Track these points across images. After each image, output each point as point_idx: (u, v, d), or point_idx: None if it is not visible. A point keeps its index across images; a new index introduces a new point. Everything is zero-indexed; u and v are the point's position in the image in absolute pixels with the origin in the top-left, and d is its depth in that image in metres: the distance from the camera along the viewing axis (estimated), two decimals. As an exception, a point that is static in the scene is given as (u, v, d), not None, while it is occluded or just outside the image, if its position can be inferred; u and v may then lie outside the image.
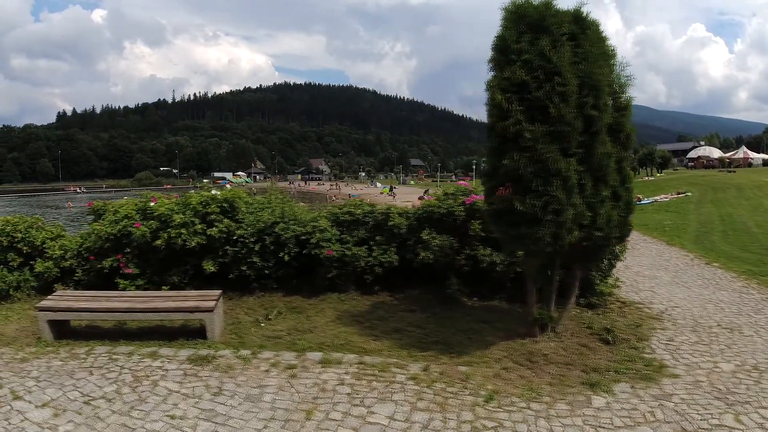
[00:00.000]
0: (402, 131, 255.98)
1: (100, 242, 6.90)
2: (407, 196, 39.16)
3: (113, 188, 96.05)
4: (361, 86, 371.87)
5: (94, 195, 78.00)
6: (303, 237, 6.64)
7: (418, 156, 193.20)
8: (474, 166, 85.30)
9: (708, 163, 67.16)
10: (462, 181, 7.07)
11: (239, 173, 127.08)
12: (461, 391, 4.02)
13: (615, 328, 5.54)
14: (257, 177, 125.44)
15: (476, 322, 5.79)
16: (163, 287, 6.67)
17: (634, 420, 3.64)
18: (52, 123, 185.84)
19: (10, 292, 6.84)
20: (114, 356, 4.84)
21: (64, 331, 5.48)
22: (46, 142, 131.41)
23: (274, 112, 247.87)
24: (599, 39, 4.79)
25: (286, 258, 6.63)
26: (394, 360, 4.63)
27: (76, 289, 6.87)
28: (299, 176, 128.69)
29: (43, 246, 7.27)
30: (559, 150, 4.30)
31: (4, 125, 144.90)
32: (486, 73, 4.64)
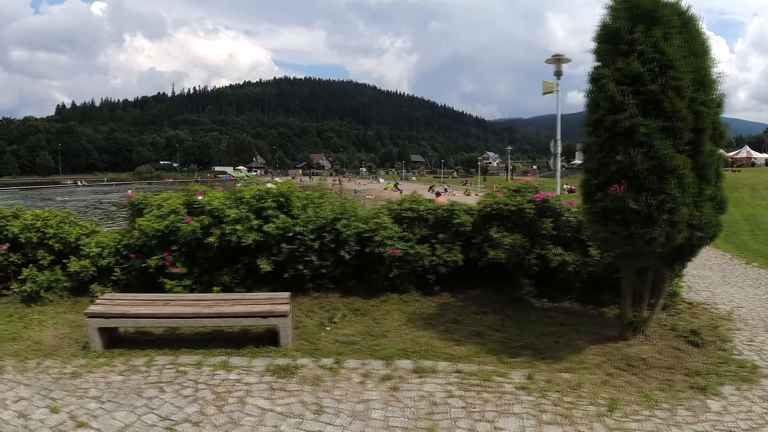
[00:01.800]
0: (402, 127, 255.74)
1: (144, 239, 6.49)
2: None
3: (114, 181, 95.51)
4: (361, 81, 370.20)
5: (96, 188, 77.67)
6: (365, 234, 6.38)
7: (418, 152, 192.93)
8: (478, 163, 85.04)
9: (712, 161, 67.00)
10: (528, 177, 6.81)
11: (240, 167, 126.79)
12: (578, 400, 3.79)
13: (699, 330, 5.36)
14: (258, 171, 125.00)
15: (555, 325, 5.56)
16: (214, 288, 6.35)
17: (755, 422, 3.59)
18: (52, 116, 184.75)
19: (41, 294, 6.32)
20: (181, 368, 4.33)
21: (112, 339, 5.04)
22: (45, 134, 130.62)
23: (273, 106, 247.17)
24: (700, 33, 4.56)
25: (346, 257, 6.36)
26: (491, 368, 4.38)
27: (114, 290, 6.43)
28: (300, 171, 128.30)
29: (78, 243, 6.79)
30: (672, 146, 4.07)
31: (3, 118, 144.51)
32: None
